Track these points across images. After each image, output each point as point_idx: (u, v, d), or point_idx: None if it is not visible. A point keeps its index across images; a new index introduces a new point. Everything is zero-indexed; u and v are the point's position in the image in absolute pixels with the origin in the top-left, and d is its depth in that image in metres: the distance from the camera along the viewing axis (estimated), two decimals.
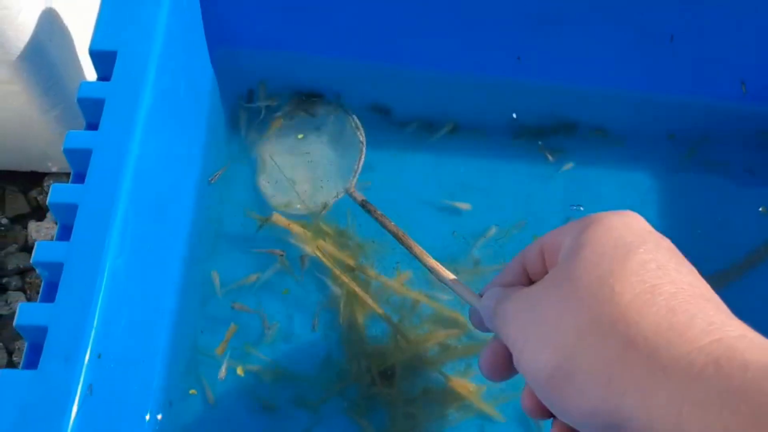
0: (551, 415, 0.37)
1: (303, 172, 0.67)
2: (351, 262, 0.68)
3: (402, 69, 0.71)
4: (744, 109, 0.73)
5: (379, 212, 0.61)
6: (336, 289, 0.64)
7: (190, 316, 0.60)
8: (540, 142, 0.71)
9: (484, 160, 0.71)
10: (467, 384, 0.63)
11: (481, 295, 0.45)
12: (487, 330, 0.45)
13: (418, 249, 0.56)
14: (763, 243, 0.69)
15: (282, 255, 0.64)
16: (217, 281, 0.63)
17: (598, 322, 0.28)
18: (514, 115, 0.73)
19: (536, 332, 0.31)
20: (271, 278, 0.64)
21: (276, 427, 0.59)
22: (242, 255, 0.65)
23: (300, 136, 0.68)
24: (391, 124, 0.72)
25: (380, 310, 0.63)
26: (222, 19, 0.63)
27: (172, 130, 0.53)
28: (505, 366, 0.39)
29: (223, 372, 0.59)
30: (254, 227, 0.66)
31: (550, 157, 0.71)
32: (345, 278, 0.64)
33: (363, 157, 0.67)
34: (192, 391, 0.60)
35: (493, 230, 0.66)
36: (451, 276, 0.52)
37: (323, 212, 0.66)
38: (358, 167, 0.66)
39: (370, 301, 0.63)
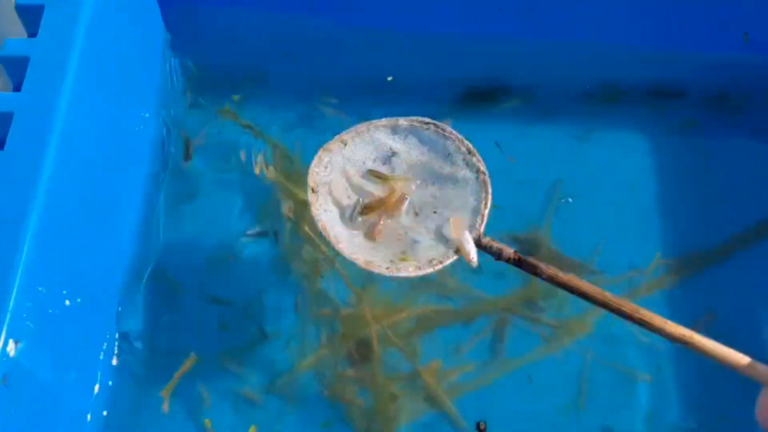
0: None
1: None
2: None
3: (382, 30, 0.66)
4: (748, 60, 0.68)
5: (551, 270, 0.45)
6: (309, 259, 0.60)
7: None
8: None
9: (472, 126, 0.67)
10: (435, 372, 0.59)
11: None
12: None
13: (646, 313, 0.43)
14: None
15: (276, 235, 0.60)
16: None
17: None
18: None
19: None
20: (247, 257, 0.61)
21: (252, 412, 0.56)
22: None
23: (370, 159, 0.52)
24: (389, 90, 0.67)
25: (350, 285, 0.58)
26: None
27: (110, 94, 0.49)
28: None
29: (165, 406, 0.55)
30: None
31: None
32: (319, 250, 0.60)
33: (490, 192, 0.49)
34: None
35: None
36: (725, 349, 0.42)
37: (431, 272, 0.47)
38: (485, 208, 0.49)
39: (339, 268, 0.59)
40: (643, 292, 0.59)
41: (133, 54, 0.52)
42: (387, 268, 0.47)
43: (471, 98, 0.68)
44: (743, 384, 0.58)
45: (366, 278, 0.61)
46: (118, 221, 0.52)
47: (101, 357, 0.51)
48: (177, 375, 0.54)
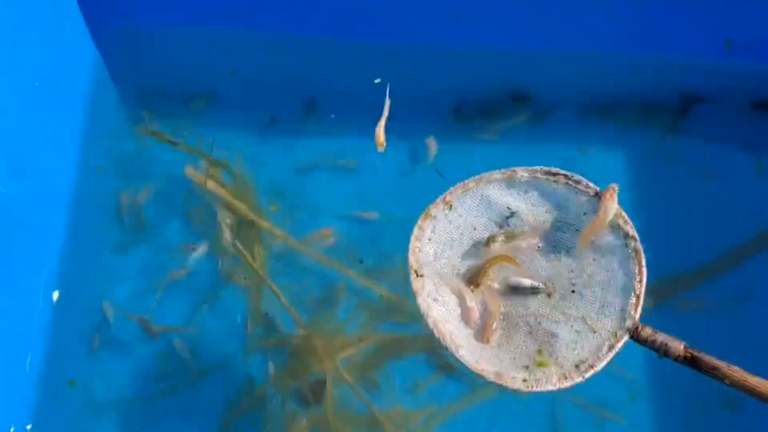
0: None
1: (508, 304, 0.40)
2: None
3: (337, 42, 0.62)
4: (728, 68, 0.64)
5: (736, 373, 0.35)
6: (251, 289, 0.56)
7: None
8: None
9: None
10: (393, 416, 0.55)
11: None
12: None
13: None
14: None
15: (197, 249, 0.56)
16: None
17: None
18: None
19: None
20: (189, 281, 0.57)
21: None
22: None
23: (482, 223, 0.41)
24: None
25: (296, 315, 0.55)
26: None
27: (22, 116, 0.45)
28: None
29: None
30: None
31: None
32: (259, 274, 0.56)
33: (644, 263, 0.39)
34: None
35: None
36: None
37: (581, 381, 0.38)
38: (640, 285, 0.38)
39: (285, 301, 0.55)
40: None
41: (51, 77, 0.49)
42: (524, 381, 0.37)
43: (454, 118, 0.65)
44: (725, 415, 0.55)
45: (314, 305, 0.58)
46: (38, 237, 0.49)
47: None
48: None
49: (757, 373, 0.37)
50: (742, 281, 0.58)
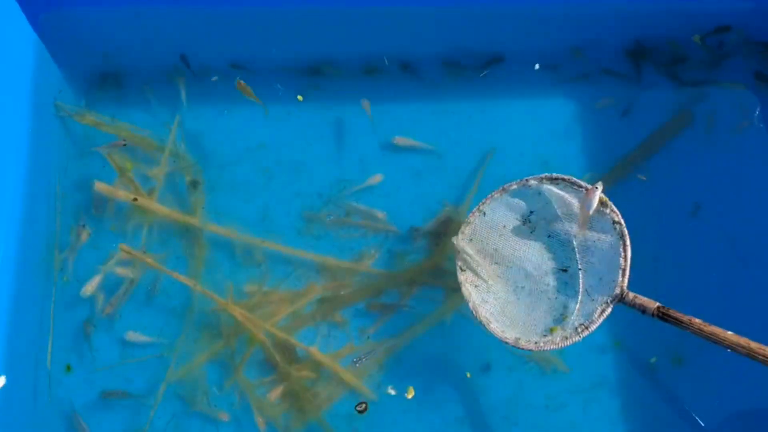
0: None
1: (522, 279, 0.50)
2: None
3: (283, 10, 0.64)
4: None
5: (695, 323, 0.45)
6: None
7: None
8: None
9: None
10: (339, 357, 0.58)
11: None
12: None
13: None
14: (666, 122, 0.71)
15: (125, 144, 0.59)
16: None
17: None
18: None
19: None
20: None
21: None
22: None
23: (510, 221, 0.52)
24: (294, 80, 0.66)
25: (226, 303, 0.58)
26: None
27: None
28: None
29: None
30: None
31: None
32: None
33: (628, 243, 0.48)
34: None
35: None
36: None
37: (578, 340, 0.48)
38: (625, 261, 0.47)
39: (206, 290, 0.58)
40: None
41: None
42: (535, 343, 0.48)
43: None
44: None
45: (246, 275, 0.60)
46: None
47: None
48: None
49: None
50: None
